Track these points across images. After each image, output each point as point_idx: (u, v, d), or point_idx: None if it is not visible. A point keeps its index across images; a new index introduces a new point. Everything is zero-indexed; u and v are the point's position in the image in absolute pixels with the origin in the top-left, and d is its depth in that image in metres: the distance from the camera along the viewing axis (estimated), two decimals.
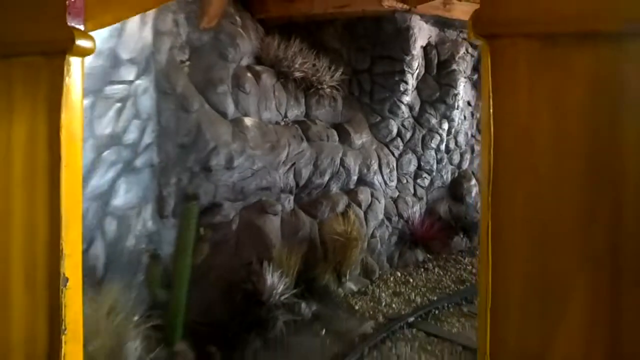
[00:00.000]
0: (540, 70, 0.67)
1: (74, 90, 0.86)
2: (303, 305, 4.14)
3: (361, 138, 5.58)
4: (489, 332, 0.67)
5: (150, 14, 3.62)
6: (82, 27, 0.86)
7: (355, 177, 5.38)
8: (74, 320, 0.84)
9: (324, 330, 3.97)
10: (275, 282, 3.94)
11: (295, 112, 5.16)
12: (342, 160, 5.24)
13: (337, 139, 5.33)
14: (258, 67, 4.81)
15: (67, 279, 0.83)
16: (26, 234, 0.84)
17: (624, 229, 0.64)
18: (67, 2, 0.83)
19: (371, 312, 4.38)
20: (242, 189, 4.21)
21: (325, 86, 5.34)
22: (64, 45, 0.83)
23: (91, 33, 0.94)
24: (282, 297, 3.95)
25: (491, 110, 0.68)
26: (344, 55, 5.71)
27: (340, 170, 5.22)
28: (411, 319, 4.17)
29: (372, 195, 5.48)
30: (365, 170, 5.47)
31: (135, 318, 2.98)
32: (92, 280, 2.90)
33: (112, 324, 2.75)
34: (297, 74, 5.09)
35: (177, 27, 3.98)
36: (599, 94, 0.65)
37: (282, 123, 4.94)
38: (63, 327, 0.81)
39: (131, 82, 3.35)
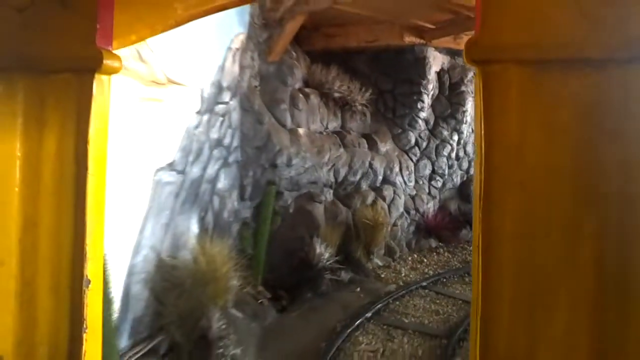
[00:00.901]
0: (530, 94, 0.70)
1: (102, 106, 0.90)
2: (342, 271, 5.51)
3: (385, 146, 6.98)
4: (479, 338, 0.70)
5: (237, 53, 5.09)
6: (110, 48, 0.92)
7: (380, 177, 6.76)
8: (94, 320, 0.88)
9: (358, 289, 5.33)
10: (322, 251, 5.32)
11: (334, 124, 6.59)
12: (370, 163, 6.63)
13: (367, 146, 6.74)
14: (307, 89, 6.26)
15: (89, 281, 0.87)
16: (53, 239, 0.89)
17: (608, 242, 0.66)
18: (97, 25, 0.88)
19: (393, 280, 5.73)
20: (297, 181, 5.63)
21: (357, 104, 6.76)
22: (93, 65, 0.88)
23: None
24: (327, 263, 5.32)
25: (482, 131, 0.71)
26: (372, 79, 7.13)
27: (369, 171, 6.61)
28: (424, 284, 5.50)
29: (394, 192, 6.85)
30: (388, 172, 6.85)
31: (232, 266, 4.38)
32: (205, 239, 4.31)
33: (221, 270, 4.12)
34: (336, 94, 6.52)
35: (253, 62, 5.45)
36: (586, 116, 0.68)
37: (325, 133, 6.37)
38: (84, 325, 0.86)
39: (227, 102, 4.81)
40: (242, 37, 5.14)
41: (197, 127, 4.21)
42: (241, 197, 5.11)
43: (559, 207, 0.69)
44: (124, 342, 3.18)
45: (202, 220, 4.36)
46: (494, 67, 0.72)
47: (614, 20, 0.68)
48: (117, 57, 0.92)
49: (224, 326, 3.60)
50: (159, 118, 3.59)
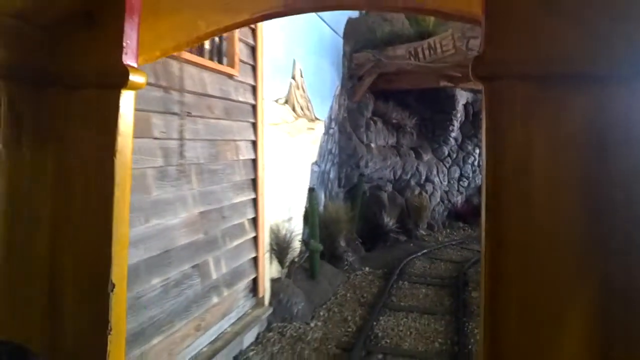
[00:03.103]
0: (535, 109, 0.71)
1: (126, 120, 0.94)
2: (400, 235, 8.76)
3: (427, 156, 10.25)
4: (486, 348, 0.72)
5: (337, 97, 8.51)
6: (135, 64, 0.95)
7: (424, 177, 10.02)
8: (118, 322, 0.93)
9: (411, 244, 8.58)
10: (388, 222, 8.60)
11: (392, 140, 9.92)
12: (417, 167, 9.90)
13: (414, 156, 10.03)
14: (375, 118, 9.64)
15: (114, 285, 0.92)
16: (80, 245, 0.95)
17: (613, 254, 0.67)
18: (124, 43, 0.92)
19: (433, 242, 8.95)
20: (371, 177, 8.97)
21: (407, 127, 10.09)
22: (119, 80, 0.92)
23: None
24: (390, 228, 8.59)
25: (488, 145, 0.73)
26: (417, 110, 10.44)
27: (416, 173, 9.88)
28: (453, 243, 8.70)
29: (433, 188, 10.09)
30: (429, 174, 10.10)
31: (344, 218, 7.71)
32: (329, 202, 7.66)
33: (340, 218, 7.48)
34: (393, 121, 9.86)
35: (344, 101, 8.89)
36: (590, 131, 0.69)
37: (386, 146, 9.71)
38: (110, 328, 0.91)
39: (333, 128, 8.25)
40: (338, 87, 8.60)
41: (323, 142, 7.65)
42: (339, 185, 8.50)
43: (565, 220, 0.70)
44: (295, 252, 6.53)
45: (326, 193, 7.75)
46: (499, 82, 0.73)
47: (617, 36, 0.67)
48: (143, 73, 0.95)
49: (344, 247, 6.96)
50: (312, 138, 7.04)
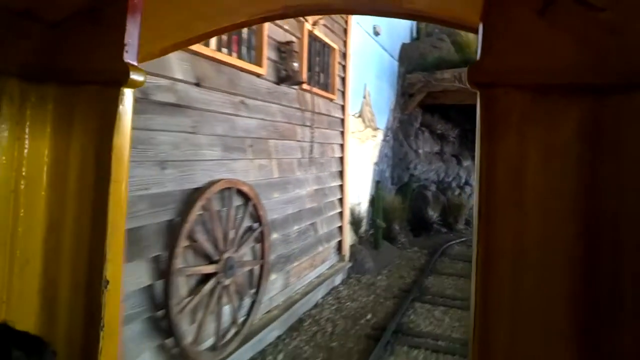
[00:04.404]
0: (530, 118, 0.72)
1: (125, 117, 0.95)
2: (442, 227, 10.60)
3: (466, 162, 12.04)
4: (478, 352, 0.73)
5: (392, 110, 10.47)
6: (135, 62, 0.96)
7: (463, 180, 11.82)
8: (111, 319, 0.92)
9: (451, 234, 10.39)
10: (432, 215, 10.46)
11: (437, 148, 11.79)
12: (457, 172, 11.71)
13: (455, 162, 11.85)
14: (423, 128, 11.53)
15: (107, 282, 0.91)
16: (75, 241, 0.94)
17: (603, 261, 0.68)
18: (125, 41, 0.93)
19: (469, 235, 10.71)
20: (418, 178, 10.87)
21: (450, 137, 11.92)
22: (119, 78, 0.93)
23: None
24: (434, 221, 10.44)
25: (483, 153, 0.74)
26: (459, 122, 12.25)
27: (457, 177, 11.69)
28: None
29: (471, 190, 11.86)
30: (468, 178, 11.89)
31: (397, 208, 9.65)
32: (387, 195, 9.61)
33: (395, 207, 9.42)
34: (438, 131, 11.72)
35: (397, 114, 10.84)
36: (584, 140, 0.69)
37: (432, 153, 11.58)
38: (102, 324, 0.90)
39: (388, 136, 10.22)
40: (393, 102, 10.57)
41: (381, 147, 9.63)
42: (392, 182, 10.45)
43: (556, 228, 0.70)
44: (363, 228, 8.50)
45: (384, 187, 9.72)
46: (495, 90, 0.74)
47: (613, 48, 0.67)
48: (142, 72, 0.96)
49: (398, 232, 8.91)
50: (374, 143, 9.04)
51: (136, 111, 2.86)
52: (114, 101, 0.93)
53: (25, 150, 0.93)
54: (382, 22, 9.20)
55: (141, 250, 2.98)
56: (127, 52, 0.94)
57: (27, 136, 0.93)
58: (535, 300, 0.72)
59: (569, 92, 0.71)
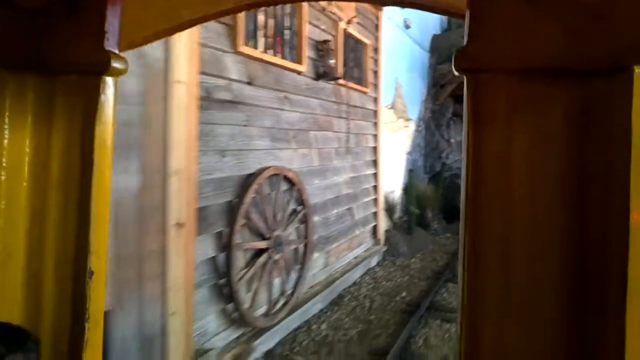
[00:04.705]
0: (517, 103, 0.73)
1: (107, 106, 0.94)
2: None
3: None
4: (464, 338, 0.74)
5: (423, 101, 10.74)
6: (116, 51, 0.95)
7: None
8: (96, 310, 0.91)
9: None
10: None
11: None
12: None
13: None
14: (454, 118, 11.74)
15: (92, 272, 0.90)
16: (58, 231, 0.93)
17: (591, 246, 0.70)
18: (105, 29, 0.92)
19: None
20: (450, 166, 11.11)
21: None
22: (100, 67, 0.91)
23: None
24: None
25: (470, 139, 0.74)
26: None
27: None
28: None
29: None
30: None
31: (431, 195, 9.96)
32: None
33: (428, 196, 9.74)
34: None
35: (428, 104, 11.11)
36: (571, 124, 0.70)
37: None
38: (87, 316, 0.89)
39: (421, 126, 10.52)
40: (425, 93, 10.84)
41: (414, 137, 9.95)
42: (424, 172, 10.75)
43: (545, 214, 0.71)
44: (397, 214, 8.88)
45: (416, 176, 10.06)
46: (481, 76, 0.74)
47: (597, 33, 0.69)
48: (124, 60, 0.95)
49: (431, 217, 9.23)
50: (406, 133, 9.38)
51: (201, 108, 3.40)
52: (96, 90, 0.92)
53: (5, 141, 0.91)
54: (413, 15, 9.49)
55: (207, 227, 3.51)
56: (108, 40, 0.93)
57: (6, 126, 0.91)
58: (523, 287, 0.72)
59: (555, 77, 0.72)
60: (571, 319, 0.70)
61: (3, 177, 0.91)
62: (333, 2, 5.47)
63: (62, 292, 0.91)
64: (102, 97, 0.92)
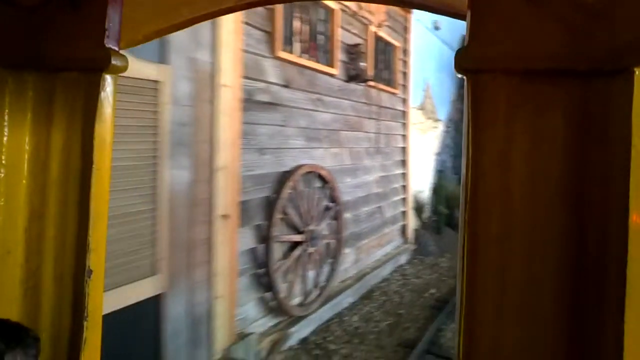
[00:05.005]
0: (517, 103, 0.73)
1: (107, 103, 0.93)
2: None
3: None
4: (463, 339, 0.73)
5: (453, 102, 10.82)
6: (117, 48, 0.95)
7: None
8: (95, 309, 0.91)
9: None
10: None
11: None
12: None
13: None
14: None
15: (91, 271, 0.90)
16: (58, 230, 0.92)
17: (590, 246, 0.69)
18: (106, 26, 0.91)
19: None
20: None
21: None
22: (101, 64, 0.91)
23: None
24: None
25: (470, 138, 0.75)
26: None
27: None
28: None
29: None
30: None
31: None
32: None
33: (454, 194, 9.82)
34: None
35: (458, 104, 11.16)
36: (571, 125, 0.71)
37: None
38: (85, 314, 0.89)
39: (449, 127, 10.59)
40: (454, 93, 10.92)
41: (442, 138, 10.04)
42: (453, 172, 10.83)
43: (544, 212, 0.71)
44: (426, 214, 9.00)
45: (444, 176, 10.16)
46: (482, 76, 0.74)
47: (599, 33, 0.69)
48: (124, 58, 0.94)
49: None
50: (435, 134, 9.49)
51: (243, 109, 3.69)
52: (96, 87, 0.92)
53: (5, 138, 0.91)
54: (442, 16, 9.59)
55: (249, 219, 3.79)
56: (108, 37, 0.92)
57: (6, 123, 0.91)
58: (523, 287, 0.72)
59: (555, 77, 0.72)
60: (570, 319, 0.70)
61: (2, 175, 0.91)
62: (363, 6, 5.68)
63: (61, 290, 0.91)
64: (102, 94, 0.92)
